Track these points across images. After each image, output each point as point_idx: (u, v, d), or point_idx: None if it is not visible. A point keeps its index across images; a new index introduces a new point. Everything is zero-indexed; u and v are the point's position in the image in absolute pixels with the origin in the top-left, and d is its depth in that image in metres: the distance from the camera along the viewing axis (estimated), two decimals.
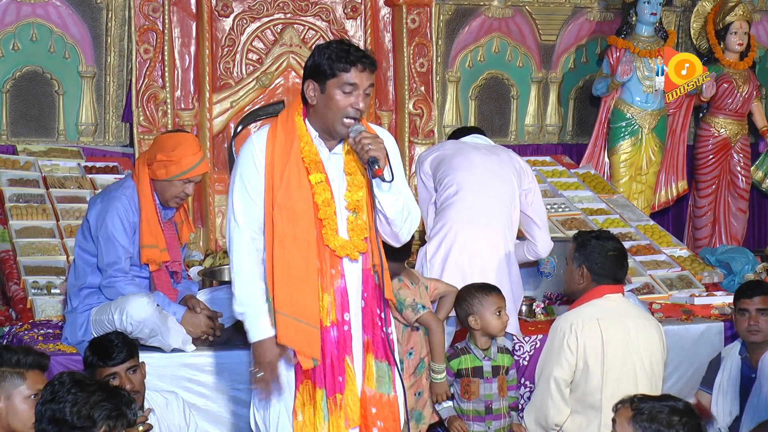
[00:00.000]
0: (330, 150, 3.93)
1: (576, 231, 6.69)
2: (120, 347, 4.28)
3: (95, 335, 4.74)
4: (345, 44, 3.86)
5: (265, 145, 3.90)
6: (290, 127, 3.91)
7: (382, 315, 3.96)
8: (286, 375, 3.92)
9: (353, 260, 3.89)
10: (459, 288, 4.88)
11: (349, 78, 3.81)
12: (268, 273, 3.86)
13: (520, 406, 4.89)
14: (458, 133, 5.70)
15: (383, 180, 3.78)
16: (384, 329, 3.95)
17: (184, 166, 4.76)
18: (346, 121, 3.84)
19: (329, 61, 3.81)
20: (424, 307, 4.62)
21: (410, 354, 4.73)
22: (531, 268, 5.94)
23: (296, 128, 3.91)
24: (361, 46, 7.03)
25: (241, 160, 3.95)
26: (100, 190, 5.77)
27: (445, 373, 4.66)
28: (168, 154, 4.74)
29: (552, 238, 6.40)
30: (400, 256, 4.65)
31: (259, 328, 3.90)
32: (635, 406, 3.22)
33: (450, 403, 4.71)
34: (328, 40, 6.98)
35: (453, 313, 4.86)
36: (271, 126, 3.95)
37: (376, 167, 3.75)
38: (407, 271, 4.80)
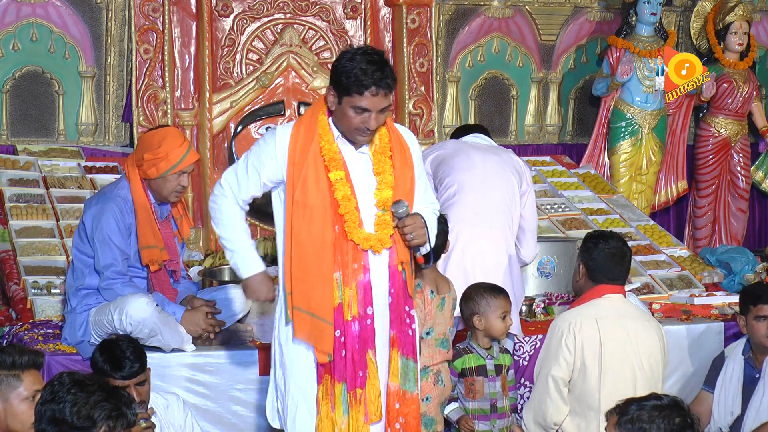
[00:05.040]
0: (356, 149, 3.99)
1: (575, 231, 6.73)
2: (132, 360, 4.24)
3: (95, 335, 4.75)
4: (366, 62, 3.84)
5: (288, 139, 3.96)
6: (312, 126, 3.96)
7: (412, 312, 4.00)
8: (310, 371, 3.96)
9: (376, 253, 3.93)
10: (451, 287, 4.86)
11: (360, 102, 3.85)
12: (287, 269, 3.94)
13: (519, 407, 4.89)
14: (460, 132, 5.70)
15: (422, 267, 4.03)
16: (411, 326, 4.01)
17: (173, 160, 4.77)
18: (360, 135, 3.92)
19: (347, 78, 3.83)
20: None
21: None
22: (531, 268, 5.95)
23: (318, 126, 3.96)
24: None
25: (263, 140, 4.04)
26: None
27: None
28: (154, 152, 4.76)
29: (552, 238, 6.41)
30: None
31: (248, 265, 4.06)
32: (619, 410, 3.25)
33: (456, 404, 4.71)
34: (327, 39, 7.02)
35: (458, 312, 4.83)
36: (296, 122, 4.02)
37: (418, 255, 3.97)
38: (438, 277, 4.70)
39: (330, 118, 3.98)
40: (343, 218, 3.90)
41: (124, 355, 4.24)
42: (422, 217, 3.95)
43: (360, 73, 3.81)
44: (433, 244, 4.00)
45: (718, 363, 5.25)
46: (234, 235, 4.07)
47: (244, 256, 4.06)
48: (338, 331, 3.90)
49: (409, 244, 3.93)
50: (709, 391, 5.20)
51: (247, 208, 4.11)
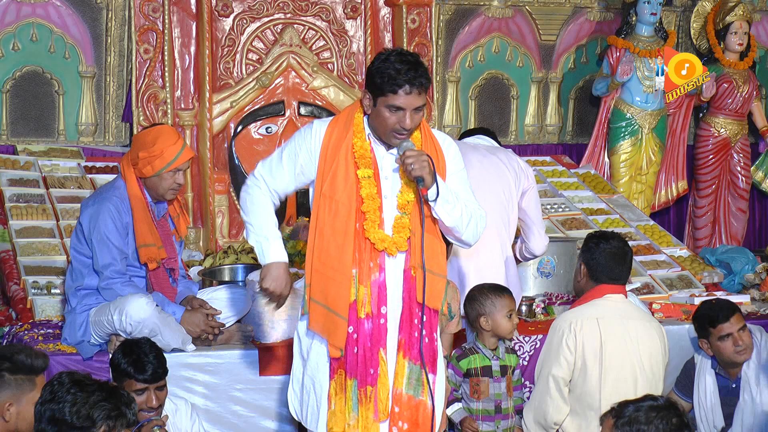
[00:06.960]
0: (387, 149, 4.01)
1: (575, 231, 6.73)
2: (156, 365, 4.27)
3: (95, 335, 4.75)
4: (400, 62, 3.88)
5: (323, 134, 4.02)
6: (348, 123, 4.02)
7: (423, 318, 3.97)
8: (322, 364, 4.01)
9: (390, 256, 3.96)
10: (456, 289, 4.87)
11: (395, 100, 3.89)
12: (308, 261, 4.00)
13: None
14: (466, 135, 5.73)
15: (427, 200, 3.90)
16: (421, 333, 3.97)
17: (168, 158, 4.78)
18: (397, 137, 3.92)
19: (381, 78, 3.88)
20: None
21: None
22: (531, 268, 5.94)
23: (353, 124, 4.01)
24: (361, 46, 7.04)
25: (299, 133, 4.10)
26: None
27: None
28: (149, 150, 4.77)
29: (552, 238, 6.41)
30: None
31: (271, 252, 4.07)
32: (615, 413, 3.26)
33: (459, 405, 4.70)
34: (328, 40, 7.02)
35: (462, 311, 4.83)
36: (333, 118, 4.09)
37: (421, 186, 3.88)
38: None
39: (366, 117, 4.03)
40: (364, 216, 3.94)
41: (148, 358, 4.26)
42: (429, 157, 3.90)
43: (394, 72, 3.86)
44: (440, 185, 3.92)
45: (689, 368, 5.22)
46: (261, 222, 4.08)
47: (269, 244, 4.07)
48: (351, 327, 3.95)
49: (409, 175, 3.89)
50: (679, 395, 5.17)
51: (278, 202, 4.13)
